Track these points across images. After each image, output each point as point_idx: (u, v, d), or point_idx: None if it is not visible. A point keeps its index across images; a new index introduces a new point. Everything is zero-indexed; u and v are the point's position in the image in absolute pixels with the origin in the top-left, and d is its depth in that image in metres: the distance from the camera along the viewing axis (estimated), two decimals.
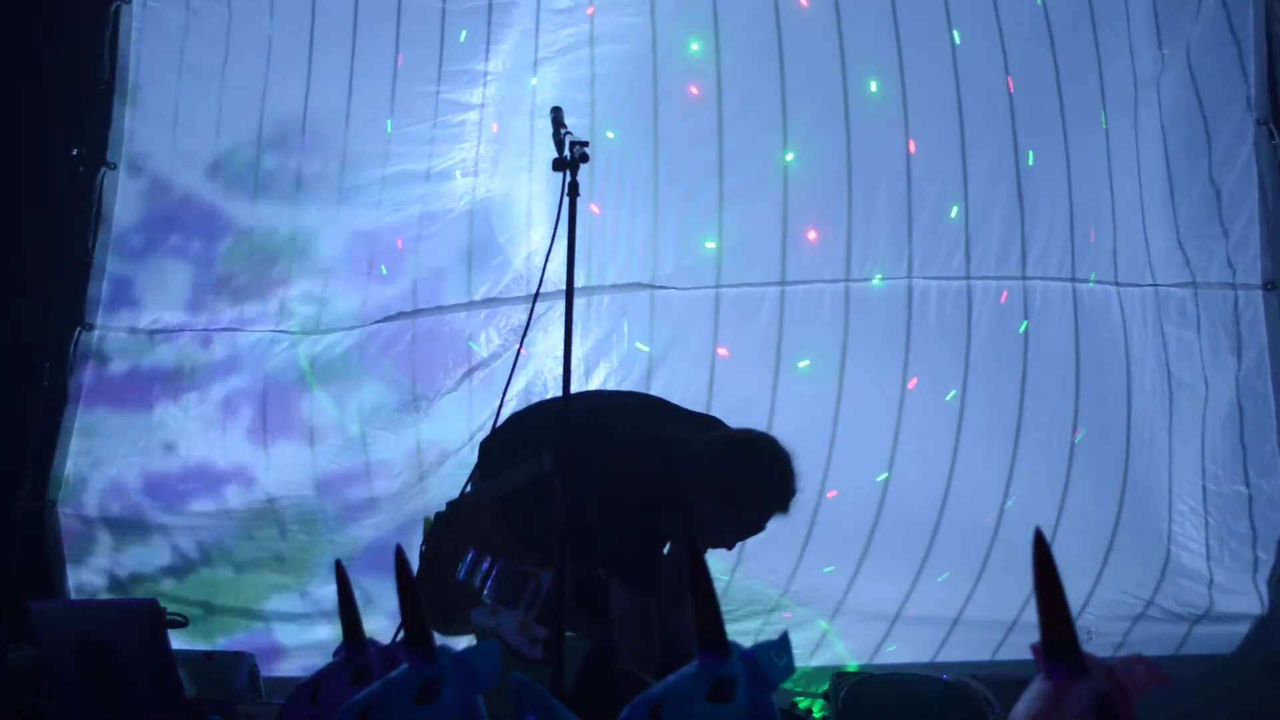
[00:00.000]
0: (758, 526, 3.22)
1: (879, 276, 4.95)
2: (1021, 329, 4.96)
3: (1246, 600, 4.73)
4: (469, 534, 3.39)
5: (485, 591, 3.33)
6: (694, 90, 5.08)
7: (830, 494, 4.92)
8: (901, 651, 4.96)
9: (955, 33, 4.98)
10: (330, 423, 5.27)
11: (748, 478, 3.15)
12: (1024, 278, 4.98)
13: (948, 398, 4.95)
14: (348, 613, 2.36)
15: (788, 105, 5.02)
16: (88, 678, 2.72)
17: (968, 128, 4.98)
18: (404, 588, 2.05)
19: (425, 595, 3.21)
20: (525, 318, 4.31)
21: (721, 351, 5.05)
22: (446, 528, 3.46)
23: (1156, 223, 4.98)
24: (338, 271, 5.33)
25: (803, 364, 5.01)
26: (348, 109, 5.30)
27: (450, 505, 3.53)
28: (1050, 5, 4.99)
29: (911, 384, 4.95)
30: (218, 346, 5.35)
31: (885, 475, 4.98)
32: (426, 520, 3.58)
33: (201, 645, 4.66)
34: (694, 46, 5.12)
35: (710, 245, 5.06)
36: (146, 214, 5.41)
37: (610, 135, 5.03)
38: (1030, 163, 4.97)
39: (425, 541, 3.46)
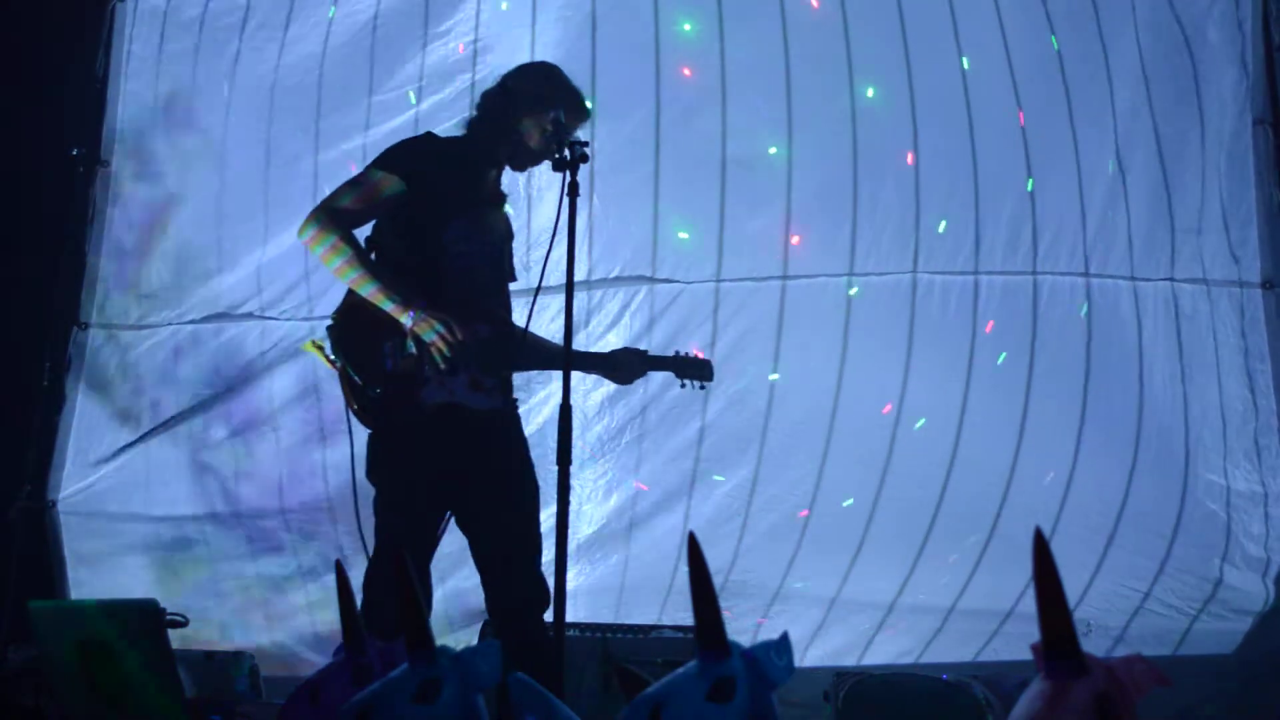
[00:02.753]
0: (563, 120, 3.37)
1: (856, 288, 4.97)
2: (1000, 359, 4.98)
3: (1251, 598, 4.73)
4: (373, 324, 3.22)
5: (425, 368, 3.17)
6: (686, 72, 5.07)
7: (801, 513, 4.93)
8: (896, 643, 4.97)
9: (964, 59, 4.99)
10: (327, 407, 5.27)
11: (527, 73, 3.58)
12: (1034, 272, 4.98)
13: (939, 410, 4.96)
14: (347, 613, 2.35)
15: (792, 98, 5.02)
16: (88, 678, 2.71)
17: (975, 125, 4.99)
18: (404, 588, 2.04)
19: (355, 391, 3.17)
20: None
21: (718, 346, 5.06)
22: (344, 331, 3.28)
23: (1178, 216, 4.97)
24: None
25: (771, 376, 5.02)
26: (319, 83, 5.28)
27: (336, 314, 3.36)
28: (1052, 6, 4.99)
29: (904, 393, 4.96)
30: (211, 339, 5.35)
31: (882, 474, 4.99)
32: (311, 344, 3.35)
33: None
34: (686, 27, 5.12)
35: (683, 235, 5.06)
36: (138, 210, 5.41)
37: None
38: (1032, 185, 4.98)
39: (335, 353, 3.26)
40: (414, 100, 5.21)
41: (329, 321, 3.37)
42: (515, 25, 5.19)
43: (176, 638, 3.06)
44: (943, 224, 4.97)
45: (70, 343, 5.23)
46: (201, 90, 5.36)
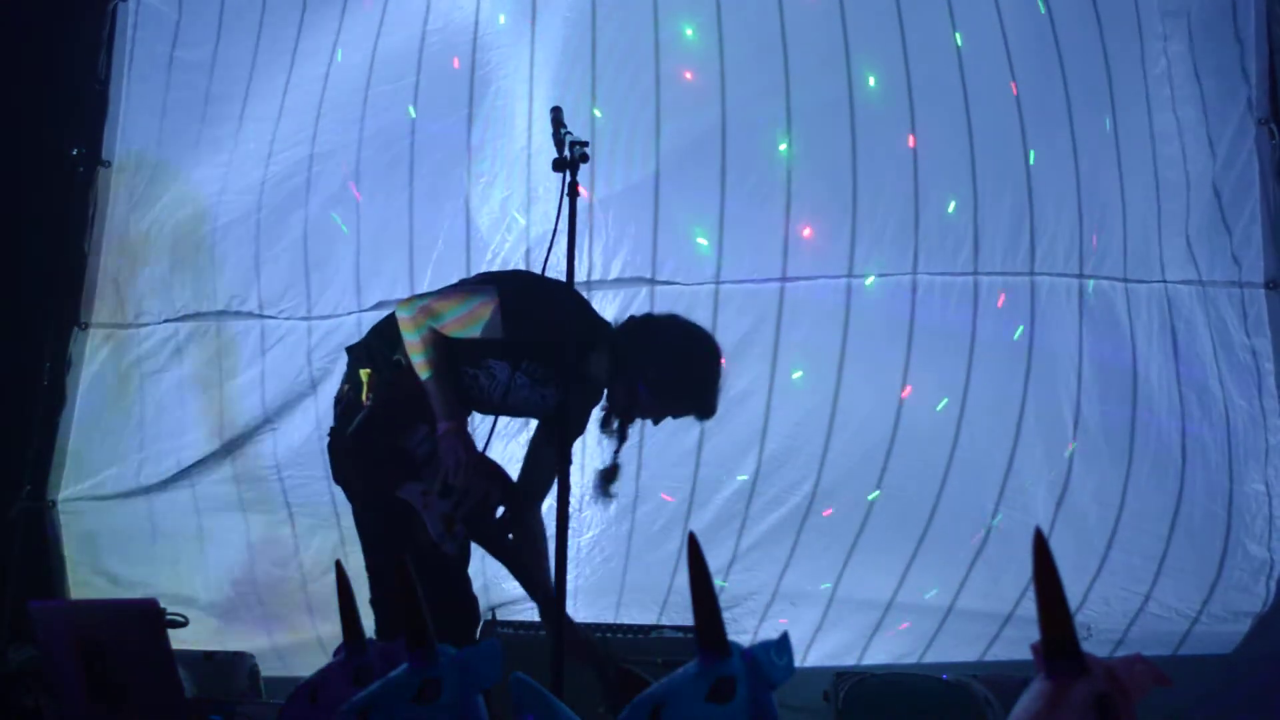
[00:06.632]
0: (680, 414, 3.20)
1: (872, 277, 4.97)
2: (1016, 334, 4.97)
3: (1250, 599, 4.73)
4: (418, 403, 3.10)
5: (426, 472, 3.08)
6: (688, 75, 5.07)
7: (826, 512, 4.94)
8: (897, 643, 4.97)
9: (958, 35, 4.99)
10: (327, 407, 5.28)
11: (693, 371, 3.17)
12: (1032, 273, 4.98)
13: (939, 407, 4.95)
14: (348, 613, 2.36)
15: (791, 95, 5.02)
16: (88, 678, 2.72)
17: (974, 122, 4.98)
18: (404, 588, 2.04)
19: (358, 449, 3.09)
20: None
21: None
22: (392, 387, 3.17)
23: (1168, 220, 4.98)
24: (328, 261, 5.31)
25: (797, 374, 5.01)
26: (323, 90, 5.28)
27: (397, 364, 3.20)
28: (1054, 5, 4.99)
29: (905, 392, 4.96)
30: (211, 337, 5.35)
31: (880, 474, 4.99)
32: (361, 372, 3.19)
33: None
34: (688, 32, 5.12)
35: (703, 241, 5.07)
36: (139, 209, 5.41)
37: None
38: (1032, 161, 4.97)
39: (366, 391, 3.16)
40: (412, 102, 5.22)
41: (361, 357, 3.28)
42: (515, 28, 5.20)
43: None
44: (952, 204, 4.95)
45: (71, 343, 5.24)
46: (215, 97, 5.37)
